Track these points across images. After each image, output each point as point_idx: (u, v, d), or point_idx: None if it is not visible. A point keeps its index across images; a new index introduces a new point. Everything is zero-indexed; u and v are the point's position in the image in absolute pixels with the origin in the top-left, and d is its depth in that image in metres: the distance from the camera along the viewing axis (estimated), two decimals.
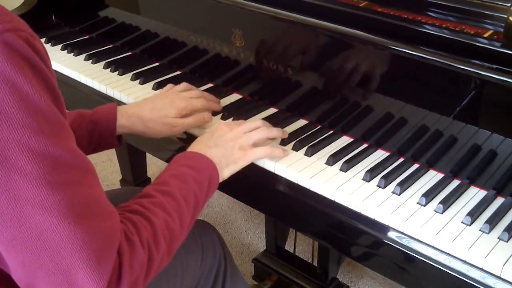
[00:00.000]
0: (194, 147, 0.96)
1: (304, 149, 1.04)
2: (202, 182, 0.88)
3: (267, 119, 1.14)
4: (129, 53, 1.45)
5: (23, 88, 0.59)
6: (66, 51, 1.46)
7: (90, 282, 0.65)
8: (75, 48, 1.45)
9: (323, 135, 1.10)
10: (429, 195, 0.92)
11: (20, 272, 0.65)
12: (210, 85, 1.29)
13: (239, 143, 0.97)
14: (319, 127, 1.12)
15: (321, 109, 1.12)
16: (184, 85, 1.16)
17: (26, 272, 0.65)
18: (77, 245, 0.63)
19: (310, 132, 1.10)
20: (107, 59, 1.39)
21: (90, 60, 1.40)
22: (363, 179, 0.97)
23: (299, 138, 1.07)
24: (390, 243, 0.88)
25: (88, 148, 1.04)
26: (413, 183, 0.96)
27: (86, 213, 0.65)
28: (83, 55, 1.43)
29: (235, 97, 1.24)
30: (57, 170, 0.61)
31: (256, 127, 1.02)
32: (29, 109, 0.59)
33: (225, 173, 0.95)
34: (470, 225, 0.87)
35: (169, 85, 1.17)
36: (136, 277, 0.71)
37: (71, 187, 0.63)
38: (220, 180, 0.94)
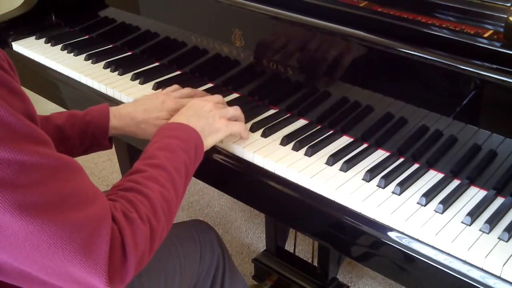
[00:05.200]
0: (175, 119, 0.98)
1: (304, 149, 1.04)
2: (189, 150, 0.90)
3: (267, 118, 1.14)
4: (129, 53, 1.45)
5: None
6: (66, 51, 1.46)
7: (89, 270, 0.66)
8: (75, 48, 1.45)
9: (323, 135, 1.09)
10: (429, 195, 0.92)
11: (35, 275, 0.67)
12: (210, 85, 1.29)
13: (218, 113, 1.01)
14: (319, 127, 1.12)
15: (321, 109, 1.12)
16: (174, 86, 1.17)
17: (37, 273, 0.66)
18: (63, 239, 0.64)
19: (310, 132, 1.10)
20: (107, 59, 1.39)
21: (90, 60, 1.40)
22: (363, 179, 0.97)
23: (299, 138, 1.07)
24: (390, 243, 0.88)
25: (80, 148, 1.04)
26: (413, 183, 0.96)
27: (65, 206, 0.65)
28: (83, 55, 1.43)
29: (235, 97, 1.24)
30: (25, 172, 0.61)
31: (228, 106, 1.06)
32: None
33: (209, 141, 0.98)
34: (470, 225, 0.87)
35: (161, 89, 1.18)
36: (142, 252, 0.72)
37: (43, 186, 0.63)
38: (205, 148, 0.96)
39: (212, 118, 0.99)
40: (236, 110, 1.06)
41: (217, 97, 1.08)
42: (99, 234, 0.67)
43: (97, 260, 0.66)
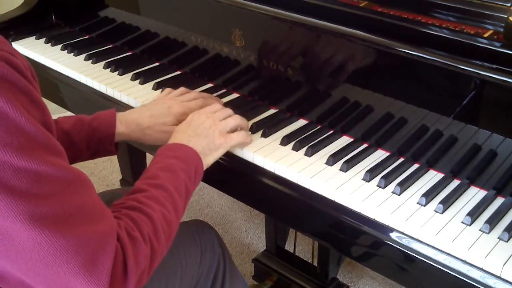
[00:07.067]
0: (175, 138, 0.97)
1: (304, 149, 1.04)
2: (189, 170, 0.91)
3: (267, 119, 1.14)
4: (129, 53, 1.45)
5: (2, 108, 0.60)
6: (66, 51, 1.46)
7: (91, 285, 0.66)
8: (75, 48, 1.45)
9: (323, 135, 1.09)
10: (429, 195, 0.92)
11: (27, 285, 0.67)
12: (210, 85, 1.29)
13: (218, 129, 1.00)
14: (319, 127, 1.12)
15: (321, 109, 1.12)
16: (181, 89, 1.16)
17: (38, 286, 0.66)
18: (69, 252, 0.64)
19: (310, 132, 1.10)
20: (107, 59, 1.39)
21: (90, 60, 1.40)
22: (363, 179, 0.97)
23: (299, 138, 1.07)
24: (390, 243, 0.88)
25: (86, 153, 1.04)
26: (413, 183, 0.96)
27: (74, 220, 0.65)
28: (83, 55, 1.43)
29: (235, 97, 1.24)
30: (39, 183, 0.62)
31: (229, 115, 1.05)
32: (9, 129, 0.60)
33: (209, 160, 0.98)
34: (470, 225, 0.87)
35: (168, 90, 1.17)
36: (142, 271, 0.73)
37: (54, 198, 0.63)
38: (205, 167, 0.96)
39: (212, 136, 0.98)
40: (236, 120, 1.04)
41: (216, 106, 1.06)
42: (104, 251, 0.67)
43: (100, 277, 0.66)
